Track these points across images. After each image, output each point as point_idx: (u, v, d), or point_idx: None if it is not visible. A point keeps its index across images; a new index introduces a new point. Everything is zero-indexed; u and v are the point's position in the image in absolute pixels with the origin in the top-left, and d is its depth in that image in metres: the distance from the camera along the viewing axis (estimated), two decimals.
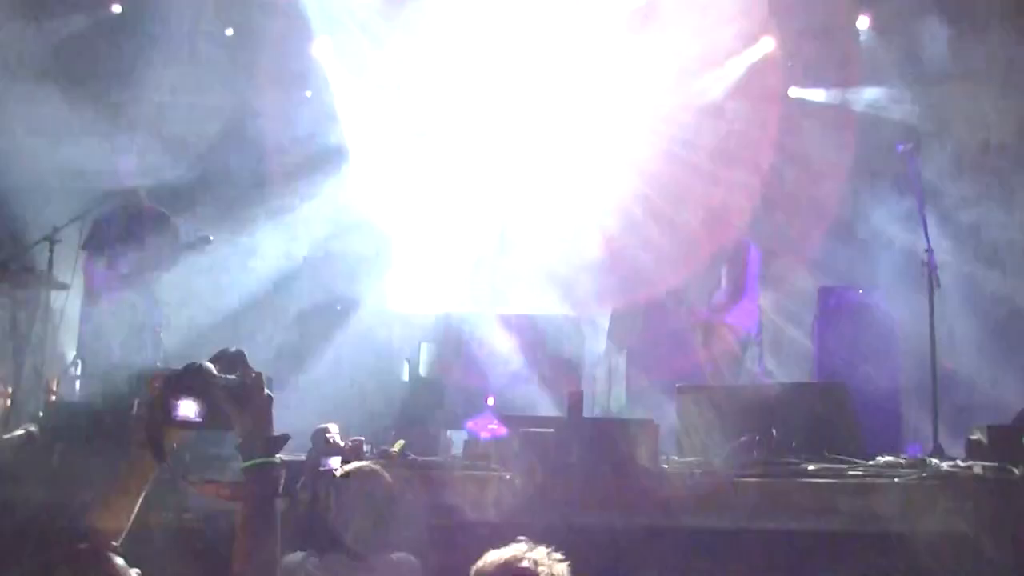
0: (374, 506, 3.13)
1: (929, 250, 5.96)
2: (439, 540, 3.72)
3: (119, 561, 1.79)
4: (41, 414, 5.50)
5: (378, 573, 3.03)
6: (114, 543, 1.89)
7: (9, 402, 7.11)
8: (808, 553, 4.01)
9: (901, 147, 6.24)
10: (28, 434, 5.01)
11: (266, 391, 1.97)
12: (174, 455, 1.95)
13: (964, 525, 3.81)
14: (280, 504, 1.98)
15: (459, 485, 4.26)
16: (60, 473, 4.47)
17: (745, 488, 4.13)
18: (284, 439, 1.98)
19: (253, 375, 1.96)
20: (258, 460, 1.92)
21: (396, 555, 3.15)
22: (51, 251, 6.42)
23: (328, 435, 3.82)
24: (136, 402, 1.98)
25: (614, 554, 4.07)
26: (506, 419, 4.54)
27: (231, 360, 1.96)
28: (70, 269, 6.77)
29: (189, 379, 1.88)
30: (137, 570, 1.83)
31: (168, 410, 1.86)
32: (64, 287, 6.96)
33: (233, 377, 1.92)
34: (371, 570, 3.02)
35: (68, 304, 7.35)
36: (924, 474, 4.18)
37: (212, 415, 1.88)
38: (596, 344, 8.31)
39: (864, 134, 8.58)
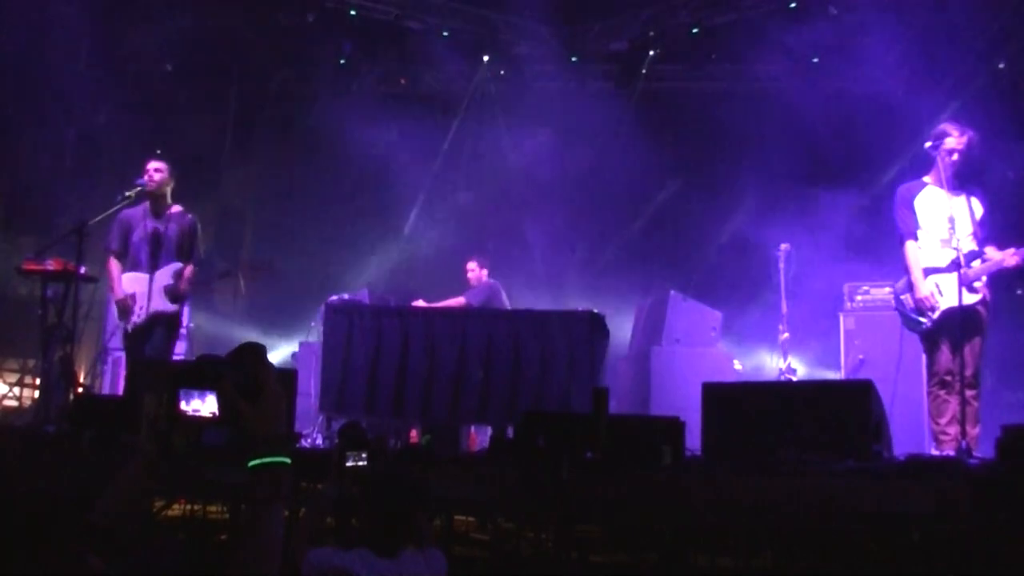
0: (400, 502, 3.13)
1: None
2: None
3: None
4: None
5: (406, 567, 3.04)
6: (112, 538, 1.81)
7: (37, 394, 7.20)
8: (834, 551, 3.99)
9: (928, 142, 6.13)
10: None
11: (276, 387, 1.84)
12: (184, 450, 1.84)
13: (987, 524, 3.77)
14: (283, 507, 1.84)
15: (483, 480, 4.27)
16: (88, 465, 4.50)
17: (770, 486, 4.10)
18: (296, 438, 1.89)
19: (265, 369, 1.85)
20: (266, 459, 1.80)
21: (423, 548, 3.16)
22: (79, 244, 6.42)
23: (355, 431, 3.82)
24: (145, 396, 1.90)
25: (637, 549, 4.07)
26: (532, 415, 4.53)
27: (245, 354, 1.87)
28: (98, 262, 6.81)
29: (198, 372, 1.81)
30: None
31: (176, 404, 1.79)
32: (92, 280, 7.02)
33: (244, 371, 1.82)
34: (398, 564, 3.03)
35: (96, 296, 7.40)
36: (948, 473, 4.13)
37: (222, 410, 1.79)
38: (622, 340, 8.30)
39: None
